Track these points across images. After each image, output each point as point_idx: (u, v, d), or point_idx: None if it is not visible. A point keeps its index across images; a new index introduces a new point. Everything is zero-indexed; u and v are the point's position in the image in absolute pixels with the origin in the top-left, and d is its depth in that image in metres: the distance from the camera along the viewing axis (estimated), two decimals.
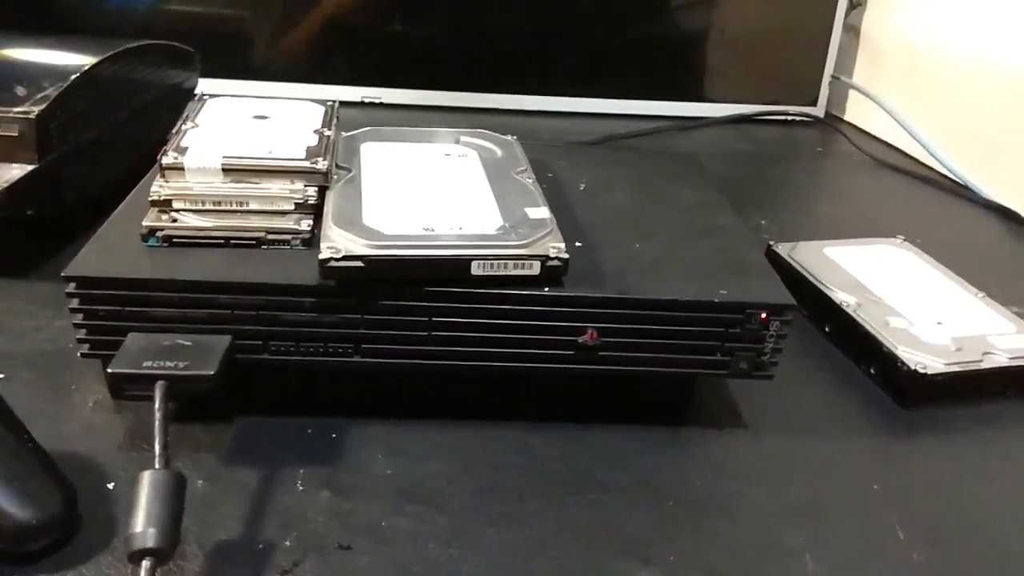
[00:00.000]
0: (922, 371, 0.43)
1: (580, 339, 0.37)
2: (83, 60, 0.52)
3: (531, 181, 0.42)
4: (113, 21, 0.80)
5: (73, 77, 0.50)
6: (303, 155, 0.39)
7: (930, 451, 0.41)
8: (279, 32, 0.83)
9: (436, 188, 0.40)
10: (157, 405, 0.33)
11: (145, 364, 0.34)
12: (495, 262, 0.35)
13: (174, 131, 0.41)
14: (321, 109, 0.46)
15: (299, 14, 0.83)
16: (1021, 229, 0.67)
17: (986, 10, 0.74)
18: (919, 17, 0.82)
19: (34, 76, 0.50)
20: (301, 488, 0.35)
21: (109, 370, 0.34)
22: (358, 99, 0.84)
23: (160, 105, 0.64)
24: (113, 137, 0.56)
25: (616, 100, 0.86)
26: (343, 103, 0.82)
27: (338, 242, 0.34)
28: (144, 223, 0.37)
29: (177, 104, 0.66)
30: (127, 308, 0.35)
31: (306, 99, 0.48)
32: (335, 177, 0.40)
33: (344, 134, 0.46)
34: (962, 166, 0.75)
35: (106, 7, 0.80)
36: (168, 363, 0.34)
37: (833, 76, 0.88)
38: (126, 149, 0.57)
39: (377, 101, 0.84)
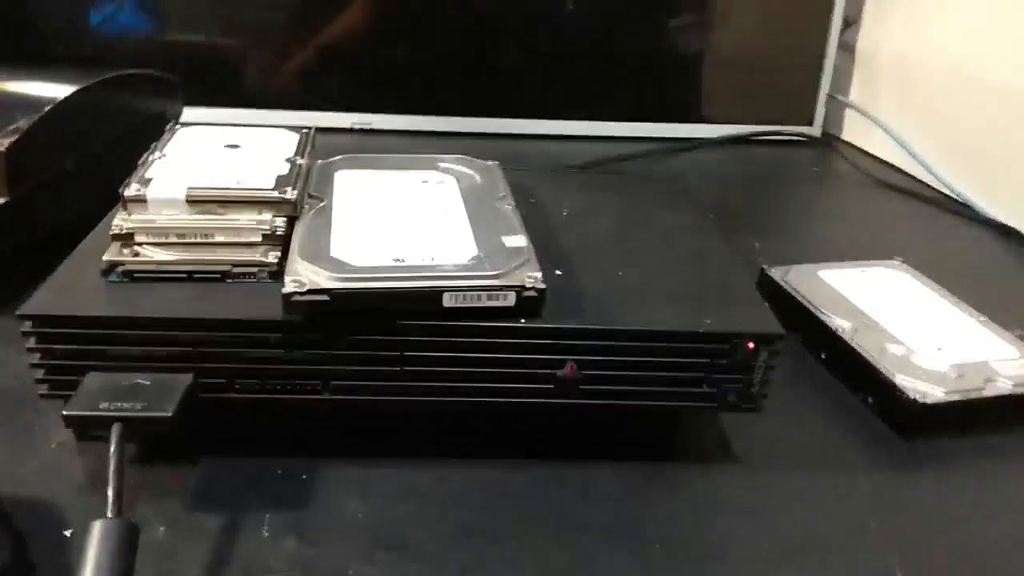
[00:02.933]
0: (921, 400, 0.41)
1: (559, 372, 0.35)
2: (58, 91, 0.51)
3: (510, 208, 0.41)
4: (103, 49, 0.80)
5: (47, 109, 0.49)
6: (272, 184, 0.38)
7: (931, 485, 0.39)
8: (268, 59, 0.82)
9: (410, 217, 0.39)
10: (112, 449, 0.31)
11: (101, 406, 0.32)
12: (468, 293, 0.34)
13: (140, 162, 0.39)
14: (296, 137, 0.44)
15: (289, 41, 0.82)
16: (1022, 248, 0.65)
17: (981, 24, 0.73)
18: (914, 33, 0.81)
19: (6, 107, 0.49)
20: (267, 534, 0.33)
21: (63, 413, 0.32)
22: (348, 125, 0.83)
23: (141, 134, 0.63)
24: (90, 168, 0.55)
25: (609, 123, 0.85)
26: (333, 130, 0.83)
27: (303, 275, 0.33)
28: (105, 258, 0.35)
29: (160, 133, 0.65)
30: (85, 347, 0.34)
31: (282, 127, 0.46)
32: (306, 207, 0.39)
33: (319, 162, 0.45)
34: (962, 184, 0.74)
35: (96, 35, 0.80)
36: (125, 404, 0.32)
37: (829, 95, 0.87)
38: (104, 179, 0.56)
39: (367, 127, 0.83)
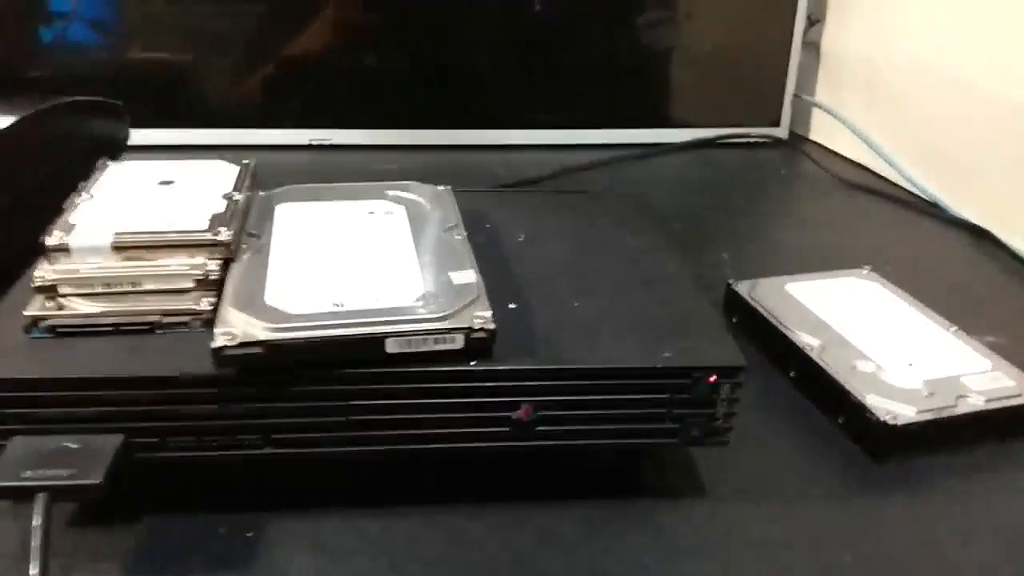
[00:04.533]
0: (892, 421, 0.40)
1: (514, 415, 0.34)
2: None
3: (460, 239, 0.39)
4: (53, 67, 0.77)
5: None
6: (206, 225, 0.36)
7: (905, 511, 0.38)
8: (223, 76, 0.80)
9: (353, 254, 0.37)
10: (36, 522, 0.29)
11: (25, 475, 0.30)
12: (412, 338, 0.32)
13: (65, 204, 0.37)
14: (235, 169, 0.42)
15: (244, 57, 0.80)
16: (992, 248, 0.64)
17: (947, 22, 0.72)
18: (878, 31, 0.80)
19: None
20: None
21: None
22: (307, 142, 0.81)
23: (87, 161, 0.61)
24: (31, 201, 0.52)
25: (573, 131, 0.83)
26: (291, 147, 0.81)
27: (235, 326, 0.31)
28: (26, 312, 0.33)
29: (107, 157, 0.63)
30: (7, 411, 0.32)
31: (228, 151, 0.44)
32: (243, 247, 0.37)
33: (261, 194, 0.43)
34: (930, 183, 0.73)
35: (46, 53, 0.77)
36: (51, 472, 0.30)
37: (795, 95, 0.86)
38: (48, 211, 0.54)
39: (327, 143, 0.81)
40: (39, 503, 0.30)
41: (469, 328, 0.32)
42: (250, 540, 0.34)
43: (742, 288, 0.51)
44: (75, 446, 0.32)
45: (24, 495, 0.30)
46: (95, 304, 0.34)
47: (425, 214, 0.42)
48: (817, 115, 0.87)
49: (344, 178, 0.46)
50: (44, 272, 0.34)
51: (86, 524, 0.35)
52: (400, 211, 0.42)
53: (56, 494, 0.30)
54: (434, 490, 0.37)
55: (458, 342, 0.33)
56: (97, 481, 0.30)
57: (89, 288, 0.34)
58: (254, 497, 0.36)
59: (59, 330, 0.33)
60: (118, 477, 0.31)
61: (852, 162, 0.82)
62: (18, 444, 0.32)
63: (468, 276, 0.35)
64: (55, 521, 0.33)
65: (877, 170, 0.79)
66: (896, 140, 0.77)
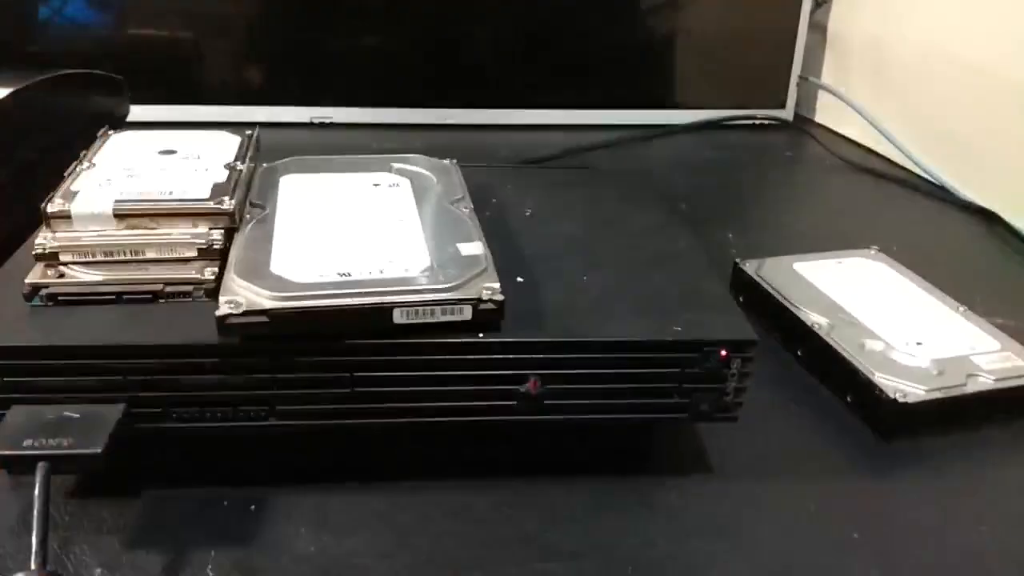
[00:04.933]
0: (901, 399, 0.39)
1: (522, 388, 0.33)
2: None
3: (467, 211, 0.38)
4: (51, 44, 0.76)
5: None
6: (208, 194, 0.35)
7: (914, 490, 0.37)
8: (224, 53, 0.79)
9: (359, 225, 0.36)
10: (37, 492, 0.29)
11: (25, 443, 0.30)
12: (420, 308, 0.31)
13: (67, 172, 0.37)
14: (237, 139, 0.42)
15: (245, 36, 0.79)
16: (1001, 231, 0.64)
17: (953, 3, 0.71)
18: (886, 12, 0.79)
19: None
20: (211, 574, 0.31)
21: None
22: (307, 120, 0.80)
23: (86, 135, 0.60)
24: (29, 176, 0.52)
25: (578, 111, 0.82)
26: (292, 125, 0.80)
27: (239, 294, 0.31)
28: (27, 280, 0.33)
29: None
30: (7, 379, 0.31)
31: (230, 125, 0.44)
32: (247, 216, 0.36)
33: (264, 165, 0.42)
34: (937, 166, 0.72)
35: (44, 30, 0.76)
36: (51, 441, 0.30)
37: (801, 77, 0.85)
38: (46, 186, 0.53)
39: (328, 121, 0.80)
40: (40, 473, 0.29)
41: (478, 299, 0.32)
42: (253, 514, 0.34)
43: (749, 267, 0.51)
44: (76, 415, 0.31)
45: (24, 464, 0.30)
46: (96, 272, 0.33)
47: (431, 186, 0.41)
48: (823, 97, 0.86)
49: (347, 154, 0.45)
50: (45, 239, 0.33)
51: (87, 496, 0.34)
52: (405, 183, 0.41)
53: (56, 464, 0.30)
54: (441, 464, 0.36)
55: (466, 313, 0.32)
56: (98, 450, 0.30)
57: (90, 256, 0.33)
58: (258, 469, 0.35)
59: (60, 298, 0.33)
60: (120, 447, 0.31)
61: (858, 144, 0.81)
62: (18, 413, 0.31)
63: (476, 248, 0.35)
64: (55, 493, 0.32)
65: (883, 152, 0.78)
66: (903, 122, 0.76)
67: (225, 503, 0.34)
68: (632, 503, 0.36)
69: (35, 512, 0.29)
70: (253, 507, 0.34)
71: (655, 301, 0.36)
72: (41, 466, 0.29)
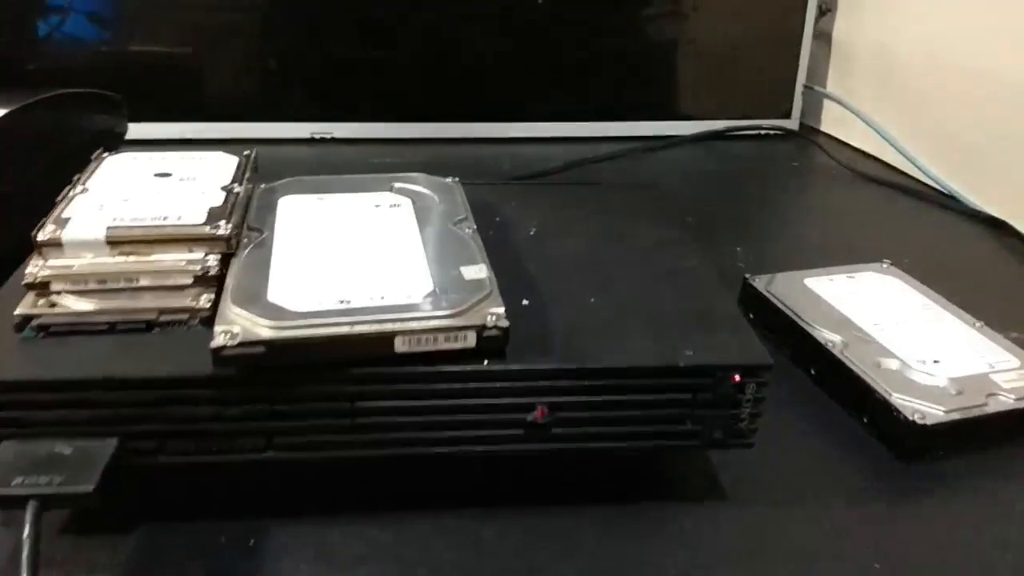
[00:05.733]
0: (920, 421, 0.38)
1: (529, 417, 0.32)
2: None
3: (470, 232, 0.37)
4: (49, 61, 0.76)
5: None
6: (203, 218, 0.34)
7: (934, 515, 0.36)
8: (223, 69, 0.78)
9: (359, 249, 0.35)
10: (26, 532, 0.28)
11: (15, 482, 0.29)
12: (422, 336, 0.30)
13: (59, 198, 0.36)
14: (234, 160, 0.41)
15: (243, 51, 0.78)
16: (1012, 241, 0.63)
17: (961, 10, 0.70)
18: (891, 20, 0.78)
19: None
20: None
21: None
22: (307, 135, 0.79)
23: (85, 154, 0.59)
24: (26, 196, 0.51)
25: (581, 123, 0.81)
26: (292, 141, 0.79)
27: (236, 323, 0.29)
28: (17, 311, 0.32)
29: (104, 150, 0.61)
30: None
31: (228, 143, 0.43)
32: (244, 241, 0.35)
33: (262, 186, 0.41)
34: (945, 174, 0.71)
35: (42, 47, 0.75)
36: (42, 479, 0.29)
37: (806, 86, 0.84)
38: (43, 206, 0.52)
39: (328, 137, 0.79)
40: (29, 511, 0.28)
41: (482, 326, 0.31)
42: (251, 548, 0.33)
43: (759, 283, 0.50)
44: (67, 451, 0.30)
45: (13, 503, 0.29)
46: (89, 302, 0.32)
47: (433, 207, 0.40)
48: (828, 106, 0.85)
49: (349, 172, 0.44)
50: (36, 268, 0.32)
51: (79, 532, 0.33)
52: (407, 203, 0.40)
53: (47, 502, 0.29)
54: (446, 494, 0.35)
55: (470, 340, 0.31)
56: (89, 488, 0.29)
57: (83, 285, 0.32)
58: (256, 503, 0.34)
59: (51, 329, 0.32)
60: (113, 483, 0.30)
61: (864, 153, 0.80)
62: (8, 449, 0.30)
63: (480, 271, 0.34)
64: (47, 528, 0.31)
65: (890, 161, 0.77)
66: (910, 131, 0.75)
67: (222, 538, 0.33)
68: (643, 531, 0.34)
69: (25, 552, 0.27)
70: (252, 541, 0.33)
71: (665, 323, 0.35)
72: (31, 504, 0.28)
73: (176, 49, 0.77)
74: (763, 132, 0.84)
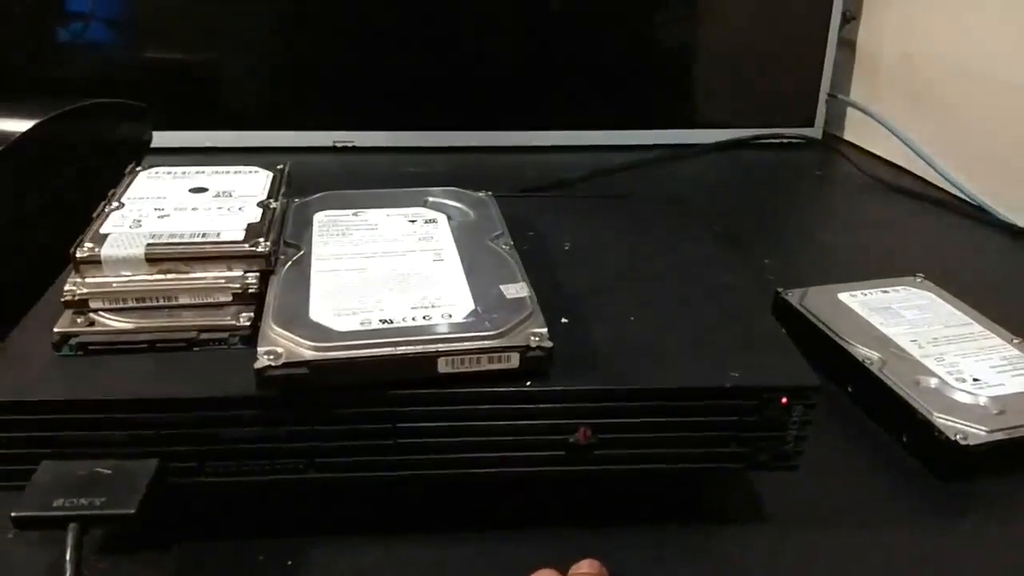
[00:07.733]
0: (963, 442, 0.38)
1: (571, 438, 0.32)
2: (11, 127, 0.47)
3: (507, 248, 0.37)
4: (72, 69, 0.76)
5: None
6: (242, 235, 0.34)
7: (977, 538, 0.36)
8: (246, 77, 0.78)
9: (398, 266, 0.35)
10: (68, 555, 0.27)
11: (55, 504, 0.29)
12: (465, 357, 0.30)
13: (95, 214, 0.35)
14: (268, 175, 0.40)
15: (266, 59, 0.78)
16: None
17: (984, 17, 0.69)
18: (916, 28, 0.77)
19: None
20: None
21: (12, 514, 0.28)
22: (330, 143, 0.79)
23: (112, 164, 0.59)
24: (57, 207, 0.51)
25: (604, 131, 0.81)
26: (314, 149, 0.79)
27: (279, 344, 0.29)
28: (56, 329, 0.31)
29: (131, 160, 0.61)
30: (35, 434, 0.30)
31: (254, 166, 0.42)
32: (282, 258, 0.35)
33: (296, 201, 0.41)
34: (973, 185, 0.70)
35: (65, 54, 0.75)
36: (83, 500, 0.29)
37: (830, 94, 0.84)
38: (73, 214, 0.52)
39: (350, 145, 0.79)
40: (71, 534, 0.28)
41: (525, 346, 0.30)
42: (290, 569, 0.32)
43: (792, 297, 0.49)
44: (107, 471, 0.30)
45: (54, 524, 0.28)
46: (128, 320, 0.32)
47: (468, 222, 0.40)
48: (852, 115, 0.85)
49: (372, 181, 0.44)
50: (74, 286, 0.32)
51: (117, 549, 0.33)
52: (442, 219, 0.40)
53: (88, 524, 0.28)
54: (489, 514, 0.35)
55: (513, 361, 0.31)
56: (131, 511, 0.28)
57: (121, 303, 0.32)
58: (295, 524, 0.34)
59: (90, 348, 0.31)
60: (153, 505, 0.29)
61: (889, 163, 0.79)
62: (48, 469, 0.30)
63: (521, 289, 0.33)
64: (85, 547, 0.31)
65: (915, 171, 0.76)
66: (935, 140, 0.74)
67: (261, 557, 0.33)
68: (686, 553, 0.34)
69: (67, 574, 0.27)
70: (290, 562, 0.32)
71: (708, 342, 0.34)
72: (72, 527, 0.28)
73: (196, 57, 0.77)
74: (786, 141, 0.83)
